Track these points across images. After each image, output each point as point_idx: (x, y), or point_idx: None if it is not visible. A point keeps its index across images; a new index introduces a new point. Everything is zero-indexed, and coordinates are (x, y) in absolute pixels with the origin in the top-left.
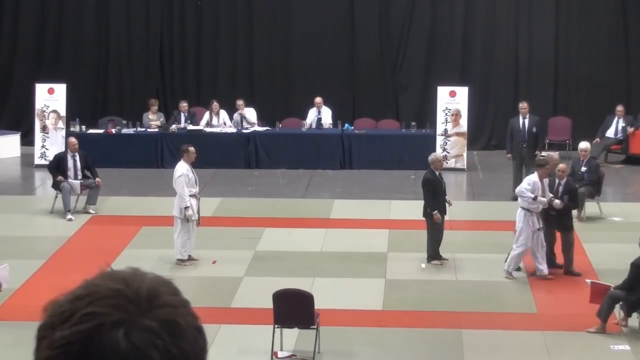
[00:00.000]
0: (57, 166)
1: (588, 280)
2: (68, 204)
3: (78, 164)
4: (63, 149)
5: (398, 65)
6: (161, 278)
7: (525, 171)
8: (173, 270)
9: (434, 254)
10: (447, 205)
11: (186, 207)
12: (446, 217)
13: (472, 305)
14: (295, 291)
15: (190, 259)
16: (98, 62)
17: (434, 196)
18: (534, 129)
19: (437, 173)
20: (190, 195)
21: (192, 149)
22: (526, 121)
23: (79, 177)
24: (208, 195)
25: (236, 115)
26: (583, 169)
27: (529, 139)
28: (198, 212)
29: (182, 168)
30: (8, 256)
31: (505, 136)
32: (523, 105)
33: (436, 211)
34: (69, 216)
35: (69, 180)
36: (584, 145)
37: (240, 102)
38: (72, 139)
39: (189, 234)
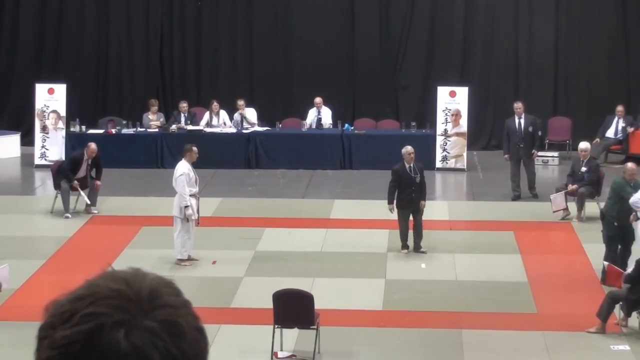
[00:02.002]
0: (73, 168)
1: (605, 262)
2: (67, 205)
3: (89, 168)
4: (63, 150)
5: (398, 65)
6: (162, 279)
7: (527, 173)
8: (173, 270)
9: (401, 243)
10: (414, 201)
11: (186, 206)
12: (447, 217)
13: (472, 305)
14: (295, 291)
15: (189, 259)
16: (98, 62)
17: (397, 188)
18: (530, 129)
19: (407, 166)
20: (190, 195)
21: (195, 148)
22: (522, 121)
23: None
24: (208, 195)
25: (236, 115)
26: (583, 169)
27: (525, 139)
28: (197, 212)
29: (183, 167)
30: (8, 256)
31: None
32: (518, 106)
33: (392, 205)
34: (67, 214)
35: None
36: (583, 145)
37: (241, 102)
38: (93, 146)
39: (189, 233)
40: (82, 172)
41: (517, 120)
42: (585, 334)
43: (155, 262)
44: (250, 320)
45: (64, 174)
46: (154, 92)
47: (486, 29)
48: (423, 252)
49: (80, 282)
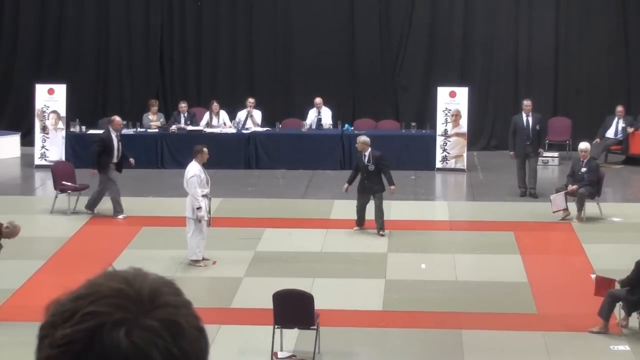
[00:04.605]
0: (104, 149)
1: (593, 275)
2: (96, 203)
3: (120, 144)
4: (63, 150)
5: (398, 65)
6: (163, 278)
7: (529, 170)
8: (174, 270)
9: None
10: (367, 187)
11: (198, 208)
12: (447, 217)
13: (472, 305)
14: (295, 292)
15: (203, 259)
16: (98, 62)
17: (355, 171)
18: (537, 127)
19: (363, 155)
20: (202, 196)
21: (205, 149)
22: (530, 119)
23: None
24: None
25: (241, 113)
26: (583, 169)
27: (532, 137)
28: (209, 212)
29: (195, 168)
30: (8, 256)
31: (507, 134)
32: (527, 103)
33: (346, 184)
34: (93, 212)
35: (112, 169)
36: (583, 145)
37: (251, 101)
38: (118, 118)
39: (202, 234)
40: (117, 153)
41: (525, 118)
42: (584, 334)
43: (155, 262)
44: (250, 320)
45: (96, 159)
46: (154, 92)
47: (486, 29)
48: (382, 235)
49: (80, 282)
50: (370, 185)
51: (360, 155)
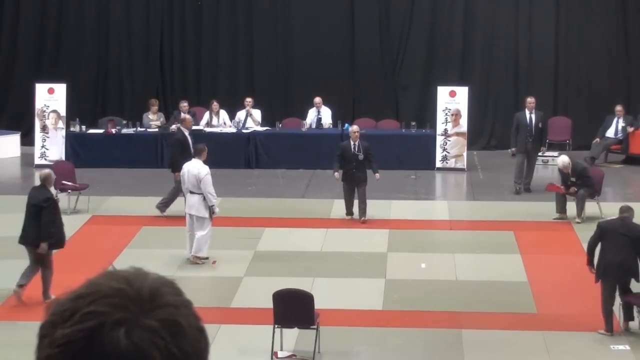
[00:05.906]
0: (182, 149)
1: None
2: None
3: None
4: (63, 150)
5: (398, 65)
6: (164, 278)
7: (527, 166)
8: (174, 270)
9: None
10: (355, 176)
11: (212, 205)
12: (447, 217)
13: (472, 305)
14: (295, 291)
15: (203, 257)
16: (98, 62)
17: (341, 162)
18: (540, 124)
19: (352, 144)
20: (199, 194)
21: (206, 147)
22: (533, 116)
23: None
24: None
25: (241, 113)
26: (572, 179)
27: (535, 134)
28: None
29: (205, 167)
30: (8, 256)
31: (509, 132)
32: (530, 100)
33: (336, 173)
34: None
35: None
36: (561, 162)
37: (249, 100)
38: (189, 117)
39: (210, 232)
40: (192, 152)
41: (528, 115)
42: (584, 333)
43: (155, 261)
44: (250, 320)
45: (178, 160)
46: (154, 92)
47: (486, 29)
48: (363, 222)
49: (80, 282)
50: (358, 175)
51: (347, 144)
